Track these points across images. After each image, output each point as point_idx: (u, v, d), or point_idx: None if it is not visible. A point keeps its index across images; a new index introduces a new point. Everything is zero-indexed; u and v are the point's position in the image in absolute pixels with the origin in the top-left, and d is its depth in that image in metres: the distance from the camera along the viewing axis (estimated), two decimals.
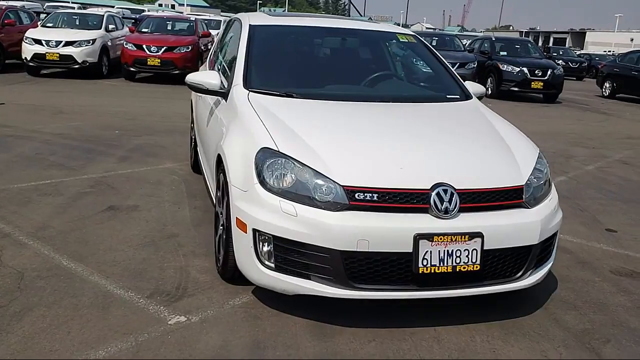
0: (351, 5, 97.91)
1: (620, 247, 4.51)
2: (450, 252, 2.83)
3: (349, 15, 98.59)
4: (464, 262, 2.85)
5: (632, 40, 78.26)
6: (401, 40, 4.58)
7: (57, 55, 13.46)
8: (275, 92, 3.70)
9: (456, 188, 2.89)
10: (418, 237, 2.77)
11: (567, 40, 75.45)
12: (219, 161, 3.51)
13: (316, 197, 2.83)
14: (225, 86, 3.89)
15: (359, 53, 4.67)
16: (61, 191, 5.02)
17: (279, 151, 2.99)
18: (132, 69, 13.96)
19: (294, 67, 4.23)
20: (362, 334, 2.94)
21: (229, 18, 5.82)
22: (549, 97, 15.85)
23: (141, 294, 3.23)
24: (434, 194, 2.85)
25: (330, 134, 3.20)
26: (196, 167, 5.80)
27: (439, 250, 2.81)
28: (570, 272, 3.92)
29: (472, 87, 4.27)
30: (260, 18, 4.49)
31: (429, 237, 2.79)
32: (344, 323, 3.02)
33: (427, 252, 2.79)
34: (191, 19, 16.65)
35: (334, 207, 2.80)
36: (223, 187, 3.37)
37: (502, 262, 2.98)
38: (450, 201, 2.86)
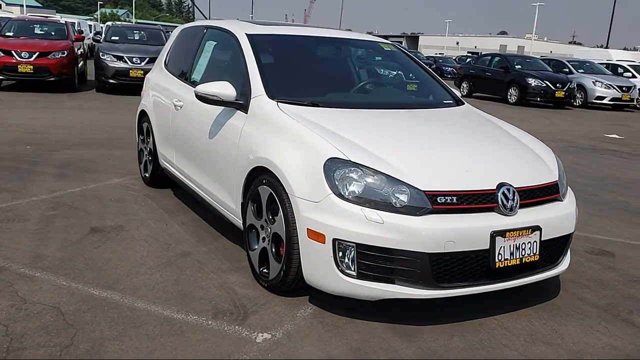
0: (195, 7, 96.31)
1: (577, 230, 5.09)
2: (517, 245, 3.09)
3: (194, 18, 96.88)
4: (527, 254, 3.13)
5: (458, 43, 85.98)
6: (386, 49, 4.78)
7: None
8: (300, 101, 3.72)
9: (515, 187, 3.16)
10: (494, 234, 3.00)
11: (403, 43, 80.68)
12: (257, 174, 3.46)
13: (397, 203, 2.93)
14: (238, 97, 3.81)
15: (355, 62, 4.79)
16: (22, 216, 4.56)
17: (349, 160, 3.05)
18: None
19: (304, 76, 4.25)
20: (440, 330, 3.09)
21: (186, 26, 5.59)
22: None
23: (204, 315, 3.10)
24: (500, 193, 3.09)
25: (383, 141, 3.30)
26: (154, 181, 5.55)
27: (510, 245, 3.06)
28: None
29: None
30: (252, 27, 4.44)
31: (502, 233, 3.02)
32: (417, 322, 3.15)
33: (501, 247, 3.03)
34: (61, 21, 15.49)
35: (417, 211, 2.92)
36: (270, 200, 3.33)
37: (552, 250, 3.31)
38: (513, 199, 3.12)
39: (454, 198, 2.99)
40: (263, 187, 3.41)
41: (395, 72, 5.01)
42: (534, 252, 3.16)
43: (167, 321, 3.03)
